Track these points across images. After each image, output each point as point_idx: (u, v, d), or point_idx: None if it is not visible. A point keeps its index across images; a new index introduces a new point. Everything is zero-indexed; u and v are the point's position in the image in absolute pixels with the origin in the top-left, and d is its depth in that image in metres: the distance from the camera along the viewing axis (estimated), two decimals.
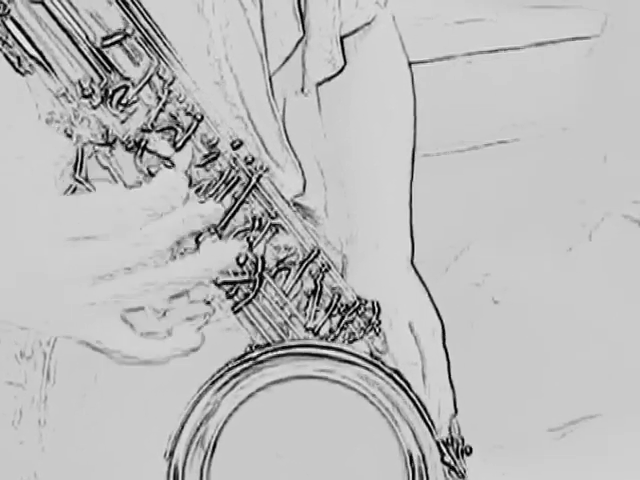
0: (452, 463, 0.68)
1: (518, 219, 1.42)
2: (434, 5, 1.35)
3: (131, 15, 0.47)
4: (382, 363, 0.56)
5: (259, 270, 0.55)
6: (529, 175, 1.44)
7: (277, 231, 0.57)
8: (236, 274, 0.54)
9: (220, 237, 0.53)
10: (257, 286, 0.55)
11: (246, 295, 0.55)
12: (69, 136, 0.46)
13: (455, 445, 0.70)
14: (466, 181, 1.42)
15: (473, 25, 1.33)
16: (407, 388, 0.54)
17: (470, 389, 1.30)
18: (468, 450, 0.72)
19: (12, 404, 0.72)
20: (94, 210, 0.47)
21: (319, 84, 0.83)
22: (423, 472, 0.55)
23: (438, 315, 0.76)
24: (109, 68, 0.46)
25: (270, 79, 0.79)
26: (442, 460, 0.68)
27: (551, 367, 1.27)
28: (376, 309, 0.67)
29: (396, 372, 0.55)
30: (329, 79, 0.82)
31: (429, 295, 0.77)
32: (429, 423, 0.54)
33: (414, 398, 0.55)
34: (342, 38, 0.82)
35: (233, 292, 0.54)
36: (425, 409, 0.55)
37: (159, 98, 0.48)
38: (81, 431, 0.70)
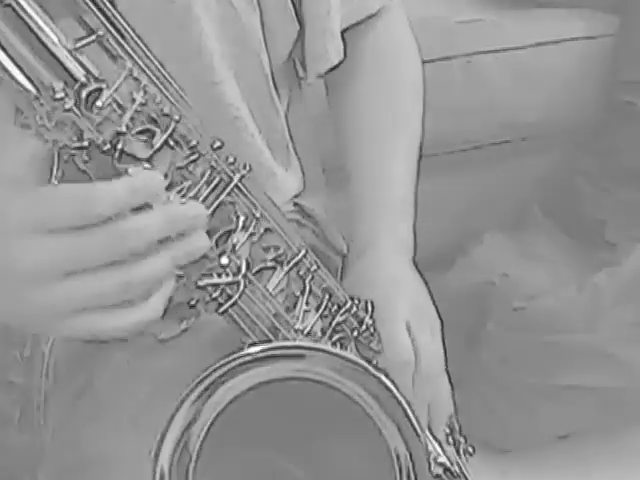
0: (447, 464, 0.68)
1: (523, 220, 1.42)
2: (435, 5, 1.35)
3: (103, 16, 0.46)
4: (370, 363, 0.55)
5: (243, 271, 0.54)
6: (535, 175, 1.44)
7: (265, 232, 0.56)
8: (220, 276, 0.53)
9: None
10: (242, 288, 0.54)
11: (229, 297, 0.54)
12: (45, 141, 0.45)
13: (456, 444, 0.69)
14: (468, 181, 1.41)
15: (473, 25, 1.32)
16: (395, 389, 0.53)
17: (479, 391, 1.30)
18: (470, 450, 0.71)
19: (12, 404, 0.72)
20: (65, 202, 0.45)
21: (321, 77, 0.83)
22: (411, 472, 0.54)
23: (438, 314, 0.74)
24: (82, 70, 0.46)
25: (273, 77, 0.78)
26: (436, 461, 0.67)
27: (564, 376, 1.26)
28: (369, 309, 0.66)
29: (384, 373, 0.54)
30: (332, 69, 0.81)
31: (430, 294, 0.75)
32: (415, 424, 0.53)
33: (401, 399, 0.53)
34: (345, 30, 0.81)
35: (217, 294, 0.53)
36: (412, 410, 0.53)
37: (134, 100, 0.47)
38: (80, 431, 0.70)
